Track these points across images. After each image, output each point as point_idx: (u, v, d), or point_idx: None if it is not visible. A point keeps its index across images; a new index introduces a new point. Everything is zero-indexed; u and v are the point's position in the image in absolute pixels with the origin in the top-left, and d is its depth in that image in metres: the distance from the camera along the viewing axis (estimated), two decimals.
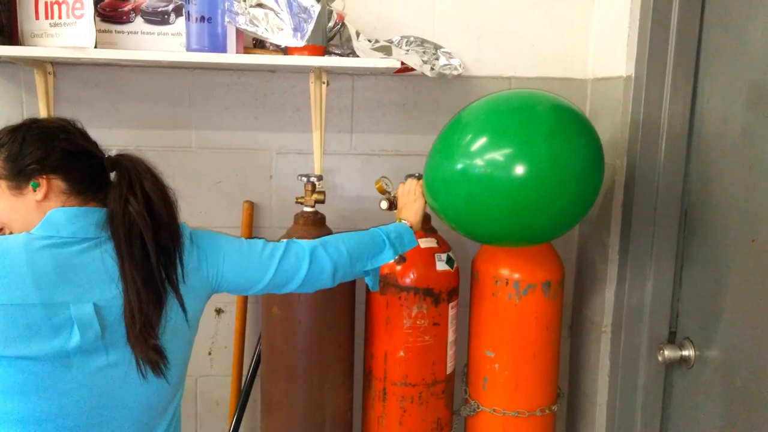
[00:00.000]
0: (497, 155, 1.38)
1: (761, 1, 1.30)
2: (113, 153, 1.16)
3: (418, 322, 1.67)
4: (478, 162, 1.38)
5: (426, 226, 1.71)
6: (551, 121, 1.39)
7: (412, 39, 1.78)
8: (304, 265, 1.28)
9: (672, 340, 1.61)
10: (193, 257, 1.18)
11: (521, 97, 1.50)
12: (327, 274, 1.32)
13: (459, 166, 1.41)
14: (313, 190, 1.70)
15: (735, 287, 1.37)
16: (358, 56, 1.66)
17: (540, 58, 1.90)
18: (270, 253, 1.27)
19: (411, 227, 1.47)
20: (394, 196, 1.63)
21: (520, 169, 1.35)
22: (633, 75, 1.61)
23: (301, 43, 1.58)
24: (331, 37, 1.71)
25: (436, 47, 1.79)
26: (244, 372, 1.93)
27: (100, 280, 1.06)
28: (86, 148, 1.14)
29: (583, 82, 1.91)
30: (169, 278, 1.11)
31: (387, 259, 1.40)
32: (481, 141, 1.40)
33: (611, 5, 1.75)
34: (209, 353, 1.99)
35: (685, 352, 1.53)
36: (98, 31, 1.58)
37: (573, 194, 1.40)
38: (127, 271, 1.06)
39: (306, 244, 1.32)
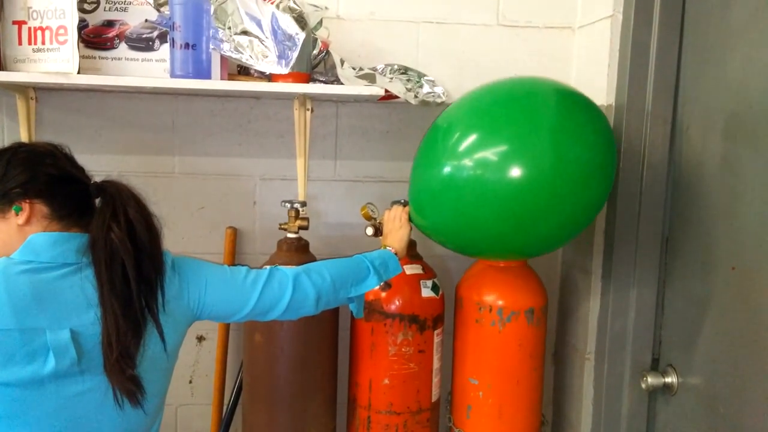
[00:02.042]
0: (490, 154, 1.16)
1: (738, 33, 1.33)
2: (98, 179, 1.16)
3: (403, 350, 1.66)
4: (467, 163, 1.18)
5: (411, 253, 1.70)
6: (556, 113, 1.18)
7: (395, 67, 1.80)
8: (287, 293, 1.28)
9: (655, 367, 1.62)
10: (175, 285, 1.17)
11: (519, 85, 1.26)
12: (310, 301, 1.31)
13: (446, 170, 1.22)
14: (297, 217, 1.70)
15: (717, 314, 1.38)
16: (342, 84, 1.67)
17: None
18: (253, 281, 1.26)
19: (396, 254, 1.47)
20: (380, 223, 1.63)
21: (517, 171, 1.15)
22: (614, 104, 1.63)
23: (285, 71, 1.59)
24: (315, 64, 1.72)
25: (420, 75, 1.81)
26: (226, 400, 1.90)
27: (78, 306, 1.04)
28: (71, 173, 1.13)
29: None
30: (149, 307, 1.09)
31: (371, 286, 1.39)
32: (471, 139, 1.19)
33: (592, 35, 1.79)
34: (190, 381, 1.95)
35: (668, 379, 1.53)
36: (82, 56, 1.58)
37: (580, 200, 1.18)
38: (106, 299, 1.04)
39: (289, 271, 1.31)
